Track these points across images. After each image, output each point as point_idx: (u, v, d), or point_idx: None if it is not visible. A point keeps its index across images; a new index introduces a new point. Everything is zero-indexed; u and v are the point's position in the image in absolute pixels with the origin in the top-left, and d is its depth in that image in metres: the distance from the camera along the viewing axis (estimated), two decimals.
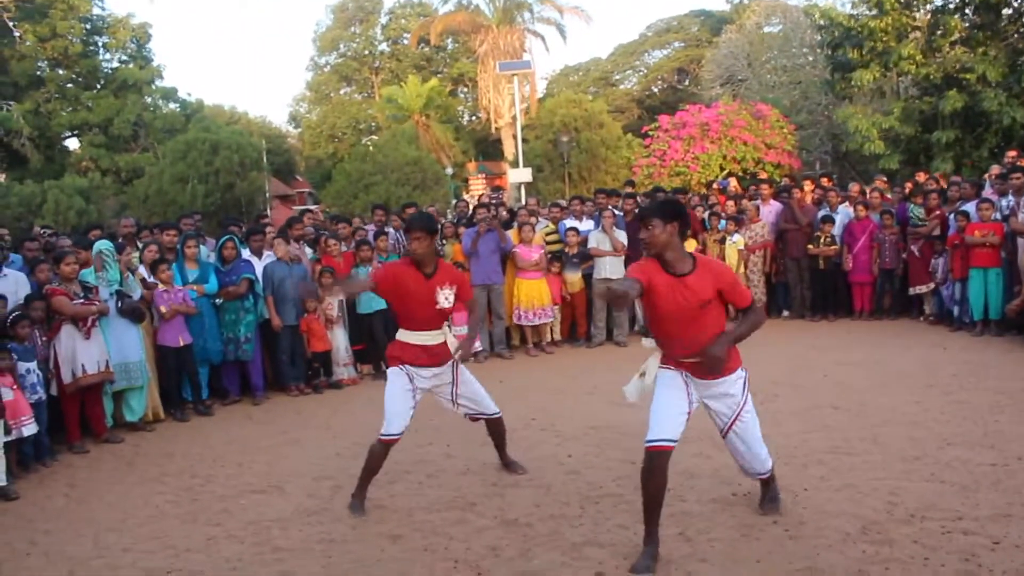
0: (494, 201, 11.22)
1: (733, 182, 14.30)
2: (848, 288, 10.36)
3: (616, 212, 9.79)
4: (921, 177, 11.71)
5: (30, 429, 5.71)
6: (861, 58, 15.62)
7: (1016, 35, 15.32)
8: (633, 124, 29.98)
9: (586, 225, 9.92)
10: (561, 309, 9.73)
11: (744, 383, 3.97)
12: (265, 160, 24.26)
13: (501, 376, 8.06)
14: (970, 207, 9.04)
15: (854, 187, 11.51)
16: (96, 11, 26.59)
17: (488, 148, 37.89)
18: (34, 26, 24.47)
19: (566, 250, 9.63)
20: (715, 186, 14.07)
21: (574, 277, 9.54)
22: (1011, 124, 13.93)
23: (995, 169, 10.45)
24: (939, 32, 15.16)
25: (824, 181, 12.16)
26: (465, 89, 41.55)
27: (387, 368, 4.82)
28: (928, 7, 16.19)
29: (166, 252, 7.78)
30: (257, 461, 5.89)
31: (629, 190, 11.74)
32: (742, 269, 10.16)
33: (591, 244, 9.56)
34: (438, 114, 33.29)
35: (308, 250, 8.84)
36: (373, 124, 40.93)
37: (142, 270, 7.45)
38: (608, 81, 40.51)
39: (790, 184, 11.80)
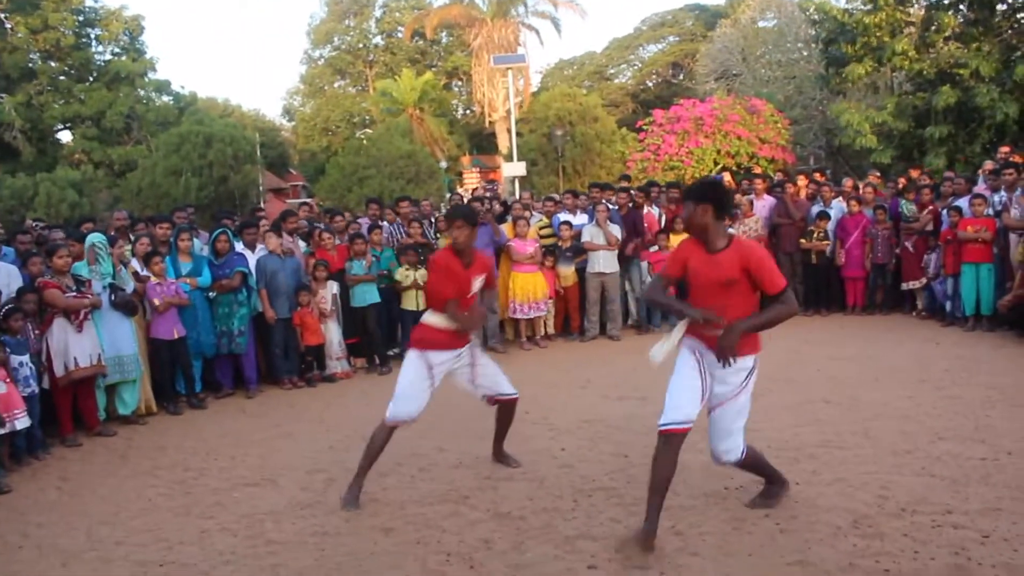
0: (488, 195, 11.20)
1: (727, 176, 14.33)
2: (841, 283, 10.40)
3: (610, 206, 9.80)
4: (914, 173, 11.74)
5: (23, 423, 5.68)
6: (855, 53, 15.66)
7: (1009, 31, 15.37)
8: (627, 118, 29.97)
9: (580, 219, 9.92)
10: (555, 303, 9.75)
11: (747, 375, 3.88)
12: (259, 153, 24.22)
13: None
14: (963, 203, 9.07)
15: (847, 182, 11.53)
16: (88, 3, 26.38)
17: (482, 142, 37.84)
18: (26, 18, 24.28)
19: (559, 244, 9.64)
20: None
21: (567, 271, 9.57)
22: (1004, 120, 13.98)
23: (988, 165, 10.47)
24: (933, 28, 15.18)
25: (818, 176, 12.19)
26: (459, 83, 41.50)
27: (406, 351, 4.82)
28: (922, 3, 16.23)
29: (159, 245, 7.76)
30: (250, 454, 5.89)
31: (624, 184, 11.73)
32: None
33: (585, 238, 9.57)
34: (432, 108, 33.24)
35: (302, 243, 8.83)
36: (367, 117, 40.82)
37: (135, 263, 7.44)
38: (602, 75, 40.47)
39: (784, 179, 11.82)
